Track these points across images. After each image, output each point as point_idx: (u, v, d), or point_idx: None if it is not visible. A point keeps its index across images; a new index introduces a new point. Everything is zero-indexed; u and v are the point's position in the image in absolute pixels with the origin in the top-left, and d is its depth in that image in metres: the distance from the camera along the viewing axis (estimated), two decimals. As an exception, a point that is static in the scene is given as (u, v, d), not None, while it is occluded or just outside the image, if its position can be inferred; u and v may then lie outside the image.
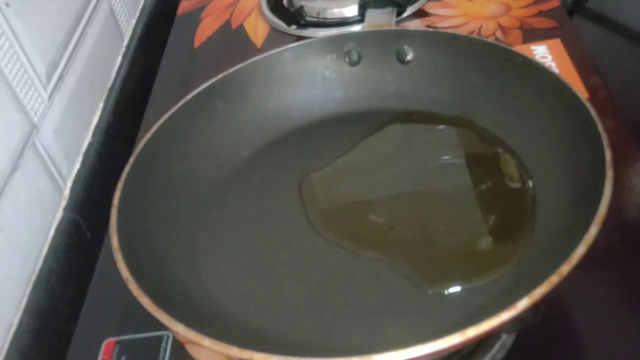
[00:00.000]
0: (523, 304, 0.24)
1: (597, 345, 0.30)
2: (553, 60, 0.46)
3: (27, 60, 0.40)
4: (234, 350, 0.24)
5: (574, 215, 0.28)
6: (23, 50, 0.40)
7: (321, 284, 0.31)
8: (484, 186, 0.35)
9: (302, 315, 0.30)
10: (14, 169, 0.37)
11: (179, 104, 0.37)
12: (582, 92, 0.32)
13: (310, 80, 0.40)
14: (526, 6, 0.52)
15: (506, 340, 0.30)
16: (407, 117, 0.39)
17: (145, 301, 0.26)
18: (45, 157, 0.41)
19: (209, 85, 0.38)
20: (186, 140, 0.37)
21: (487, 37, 0.49)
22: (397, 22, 0.46)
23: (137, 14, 0.59)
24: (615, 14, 0.65)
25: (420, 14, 0.53)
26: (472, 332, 0.23)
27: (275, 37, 0.54)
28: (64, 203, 0.42)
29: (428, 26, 0.52)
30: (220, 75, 0.39)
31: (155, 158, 0.35)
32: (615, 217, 0.34)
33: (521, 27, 0.50)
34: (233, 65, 0.39)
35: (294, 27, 0.54)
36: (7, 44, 0.38)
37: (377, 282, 0.31)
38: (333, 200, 0.36)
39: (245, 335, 0.28)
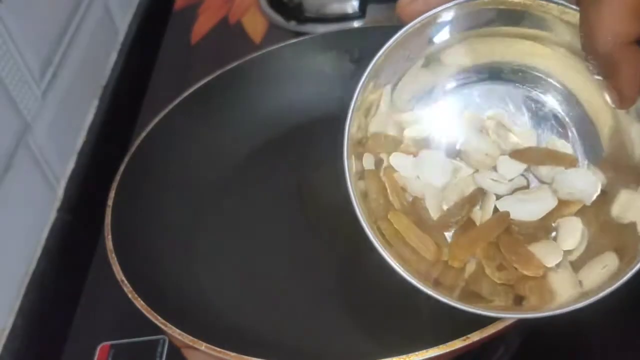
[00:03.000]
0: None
1: (603, 350, 0.30)
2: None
3: (20, 57, 0.39)
4: (232, 356, 0.24)
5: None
6: (16, 47, 0.39)
7: (321, 286, 0.31)
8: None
9: (301, 318, 0.29)
10: (6, 168, 0.36)
11: (175, 102, 0.36)
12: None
13: (309, 78, 0.39)
14: (528, 2, 0.51)
15: (511, 344, 0.30)
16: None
17: (141, 304, 0.26)
18: (39, 156, 0.40)
19: (206, 83, 0.38)
20: (183, 139, 0.36)
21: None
22: (398, 18, 0.46)
23: (133, 10, 0.58)
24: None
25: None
26: (476, 336, 0.23)
27: (274, 33, 0.53)
28: (57, 203, 0.41)
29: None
30: (217, 73, 0.38)
31: (151, 157, 0.34)
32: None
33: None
34: (231, 62, 0.39)
35: (293, 23, 0.54)
36: (-1, 40, 0.37)
37: (379, 285, 0.30)
38: (333, 200, 0.35)
39: (243, 340, 0.28)
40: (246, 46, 0.53)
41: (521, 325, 0.24)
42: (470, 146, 0.28)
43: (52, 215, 0.40)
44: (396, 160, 0.28)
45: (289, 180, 0.36)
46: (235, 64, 0.38)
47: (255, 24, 0.56)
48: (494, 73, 0.27)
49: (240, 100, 0.38)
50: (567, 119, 0.27)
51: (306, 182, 0.36)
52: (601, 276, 0.23)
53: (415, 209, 0.27)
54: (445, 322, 0.27)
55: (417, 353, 0.23)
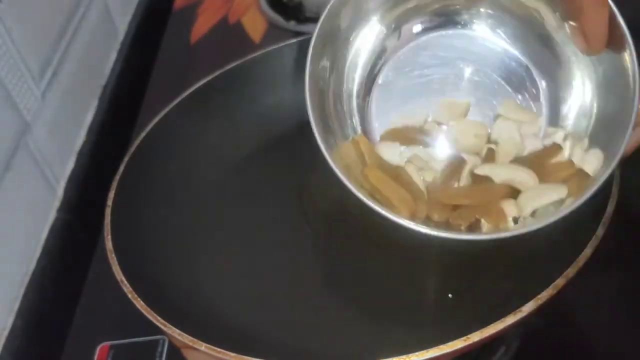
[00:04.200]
0: (528, 307, 0.23)
1: (602, 350, 0.30)
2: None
3: (20, 56, 0.39)
4: (232, 356, 0.24)
5: (579, 216, 0.28)
6: (16, 47, 0.39)
7: (321, 287, 0.31)
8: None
9: (302, 319, 0.29)
10: (5, 169, 0.36)
11: (175, 102, 0.36)
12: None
13: (309, 78, 0.39)
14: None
15: (511, 344, 0.30)
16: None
17: (141, 304, 0.26)
18: (38, 156, 0.40)
19: (206, 83, 0.38)
20: (182, 139, 0.36)
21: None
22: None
23: (133, 10, 0.58)
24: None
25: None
26: (476, 336, 0.23)
27: (274, 33, 0.53)
28: (57, 204, 0.41)
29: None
30: (217, 73, 0.38)
31: (150, 157, 0.34)
32: (621, 217, 0.33)
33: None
34: (230, 62, 0.38)
35: (293, 22, 0.54)
36: (-2, 40, 0.37)
37: (379, 286, 0.30)
38: (332, 200, 0.35)
39: (243, 340, 0.28)
40: (246, 46, 0.53)
41: (521, 325, 0.24)
42: (457, 130, 0.28)
43: (52, 215, 0.40)
44: (383, 147, 0.28)
45: (289, 181, 0.36)
46: (234, 64, 0.38)
47: (254, 24, 0.55)
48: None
49: (240, 100, 0.38)
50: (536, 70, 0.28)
51: (306, 182, 0.36)
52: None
53: (393, 169, 0.28)
54: (445, 322, 0.28)
55: (417, 353, 0.23)
